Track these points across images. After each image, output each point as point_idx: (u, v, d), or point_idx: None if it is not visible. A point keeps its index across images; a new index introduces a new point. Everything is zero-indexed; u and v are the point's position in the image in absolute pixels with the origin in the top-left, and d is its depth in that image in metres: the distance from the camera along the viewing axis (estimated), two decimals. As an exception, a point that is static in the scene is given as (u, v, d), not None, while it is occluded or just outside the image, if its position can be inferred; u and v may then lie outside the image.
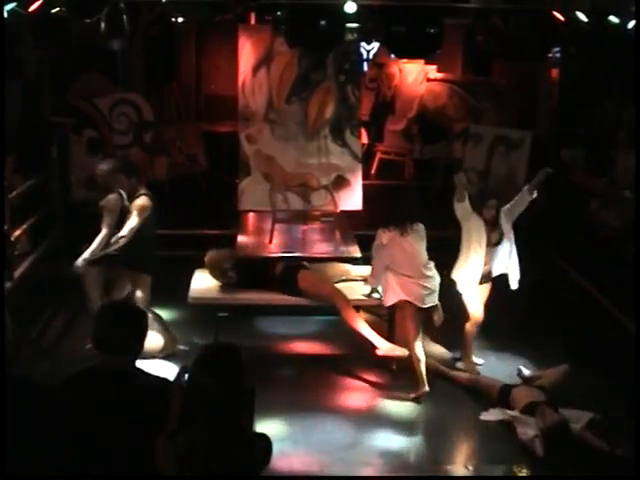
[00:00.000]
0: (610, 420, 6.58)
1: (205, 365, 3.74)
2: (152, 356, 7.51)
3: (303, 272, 7.54)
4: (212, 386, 3.64)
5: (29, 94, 10.19)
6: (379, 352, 7.26)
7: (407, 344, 7.24)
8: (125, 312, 4.22)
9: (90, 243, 7.75)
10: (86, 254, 7.52)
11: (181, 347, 7.96)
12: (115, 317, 4.12)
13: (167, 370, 7.22)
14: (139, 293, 7.82)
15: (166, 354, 7.81)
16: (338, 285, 7.78)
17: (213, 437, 3.65)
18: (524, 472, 6.14)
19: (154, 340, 7.89)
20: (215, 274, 7.87)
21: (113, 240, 7.54)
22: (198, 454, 3.63)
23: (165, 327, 7.98)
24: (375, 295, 7.61)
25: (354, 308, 7.48)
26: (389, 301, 7.36)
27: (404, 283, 7.26)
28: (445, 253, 9.49)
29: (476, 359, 7.91)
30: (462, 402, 7.20)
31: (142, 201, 7.69)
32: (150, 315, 7.86)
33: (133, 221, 7.58)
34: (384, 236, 7.34)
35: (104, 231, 7.58)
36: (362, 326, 7.30)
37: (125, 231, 7.54)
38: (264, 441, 3.82)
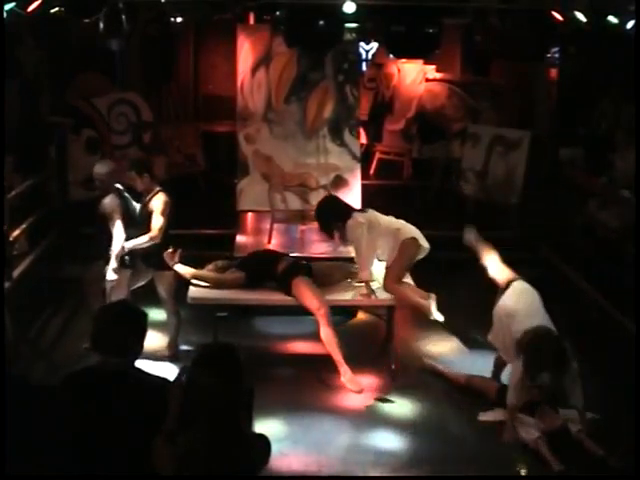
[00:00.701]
0: (610, 420, 6.57)
1: (203, 365, 3.73)
2: (152, 356, 7.53)
3: (298, 279, 7.47)
4: (210, 386, 3.63)
5: (28, 94, 10.18)
6: (342, 379, 7.27)
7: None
8: (125, 313, 4.22)
9: (89, 244, 7.76)
10: (113, 264, 7.41)
11: (181, 347, 7.95)
12: (115, 318, 4.11)
13: (167, 370, 7.23)
14: (162, 291, 7.77)
15: (165, 355, 7.79)
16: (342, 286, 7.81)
17: (212, 437, 3.64)
18: (524, 472, 6.14)
19: (156, 340, 7.91)
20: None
21: (142, 242, 7.49)
22: (197, 454, 3.62)
23: (178, 328, 7.95)
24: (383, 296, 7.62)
25: (355, 309, 7.48)
26: (395, 249, 7.48)
27: (403, 227, 7.56)
28: (443, 253, 9.53)
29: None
30: (461, 402, 7.19)
31: (163, 198, 7.61)
32: (172, 312, 7.88)
33: (159, 220, 7.52)
34: (362, 216, 7.54)
35: (120, 235, 7.43)
36: (334, 349, 7.29)
37: (154, 232, 7.50)
38: (263, 441, 3.81)
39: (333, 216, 7.68)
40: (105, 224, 7.51)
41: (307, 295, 7.39)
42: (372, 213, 7.67)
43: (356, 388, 7.24)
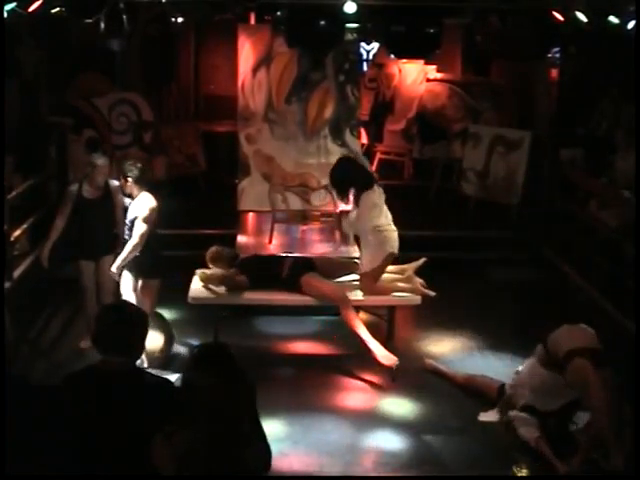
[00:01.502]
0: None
1: (196, 365, 3.73)
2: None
3: (306, 277, 7.50)
4: (204, 385, 3.63)
5: (28, 94, 10.18)
6: (378, 358, 7.30)
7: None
8: (127, 313, 4.22)
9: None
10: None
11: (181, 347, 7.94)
12: (117, 318, 4.12)
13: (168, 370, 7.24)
14: (145, 300, 7.44)
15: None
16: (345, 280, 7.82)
17: (209, 437, 3.63)
18: (524, 472, 6.13)
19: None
20: (220, 266, 7.78)
21: (127, 252, 7.26)
22: (194, 454, 3.61)
23: (170, 339, 7.91)
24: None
25: (356, 309, 7.51)
26: (378, 259, 7.47)
27: (391, 236, 7.53)
28: (444, 253, 9.53)
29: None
30: (461, 402, 7.19)
31: (147, 204, 7.34)
32: (156, 323, 7.75)
33: (141, 228, 7.23)
34: (378, 195, 7.54)
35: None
36: (360, 329, 7.34)
37: (136, 239, 7.23)
38: (264, 445, 3.80)
39: (352, 181, 7.59)
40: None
41: (320, 288, 7.42)
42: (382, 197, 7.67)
43: (390, 363, 7.28)
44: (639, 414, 6.23)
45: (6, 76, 8.88)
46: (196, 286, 7.77)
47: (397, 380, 7.46)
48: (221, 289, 7.59)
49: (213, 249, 7.80)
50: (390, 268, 7.73)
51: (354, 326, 7.35)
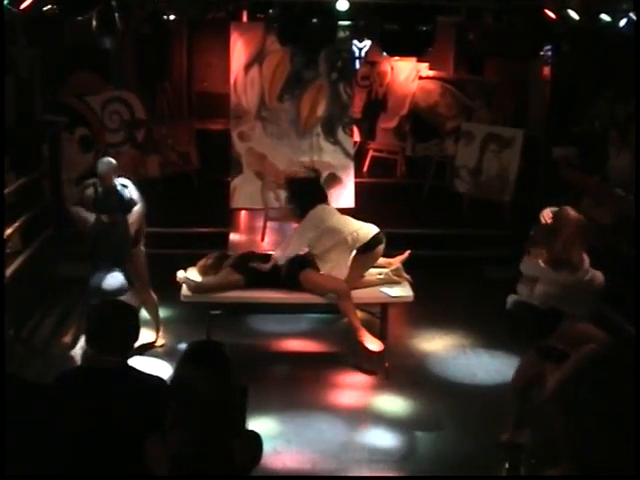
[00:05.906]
0: (608, 423, 6.57)
1: (188, 362, 3.72)
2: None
3: (304, 273, 7.49)
4: (196, 384, 3.61)
5: (21, 92, 10.16)
6: (365, 344, 7.33)
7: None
8: (119, 311, 4.22)
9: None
10: None
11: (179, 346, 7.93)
12: (109, 316, 4.11)
13: (161, 368, 7.24)
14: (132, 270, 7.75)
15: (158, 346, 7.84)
16: None
17: (200, 436, 3.61)
18: (524, 472, 6.15)
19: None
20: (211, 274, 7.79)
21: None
22: (186, 453, 3.60)
23: (157, 315, 8.05)
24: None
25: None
26: None
27: None
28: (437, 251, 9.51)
29: None
30: (455, 399, 7.20)
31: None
32: (146, 297, 7.96)
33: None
34: (326, 211, 7.57)
35: None
36: (352, 317, 7.38)
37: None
38: (254, 440, 3.79)
39: (308, 197, 7.64)
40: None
41: (322, 282, 7.43)
42: (333, 216, 7.66)
43: (377, 348, 7.33)
44: (639, 414, 6.24)
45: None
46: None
47: (390, 378, 7.48)
48: (211, 279, 7.61)
49: (201, 262, 7.78)
50: (378, 261, 7.74)
51: (350, 314, 7.38)
